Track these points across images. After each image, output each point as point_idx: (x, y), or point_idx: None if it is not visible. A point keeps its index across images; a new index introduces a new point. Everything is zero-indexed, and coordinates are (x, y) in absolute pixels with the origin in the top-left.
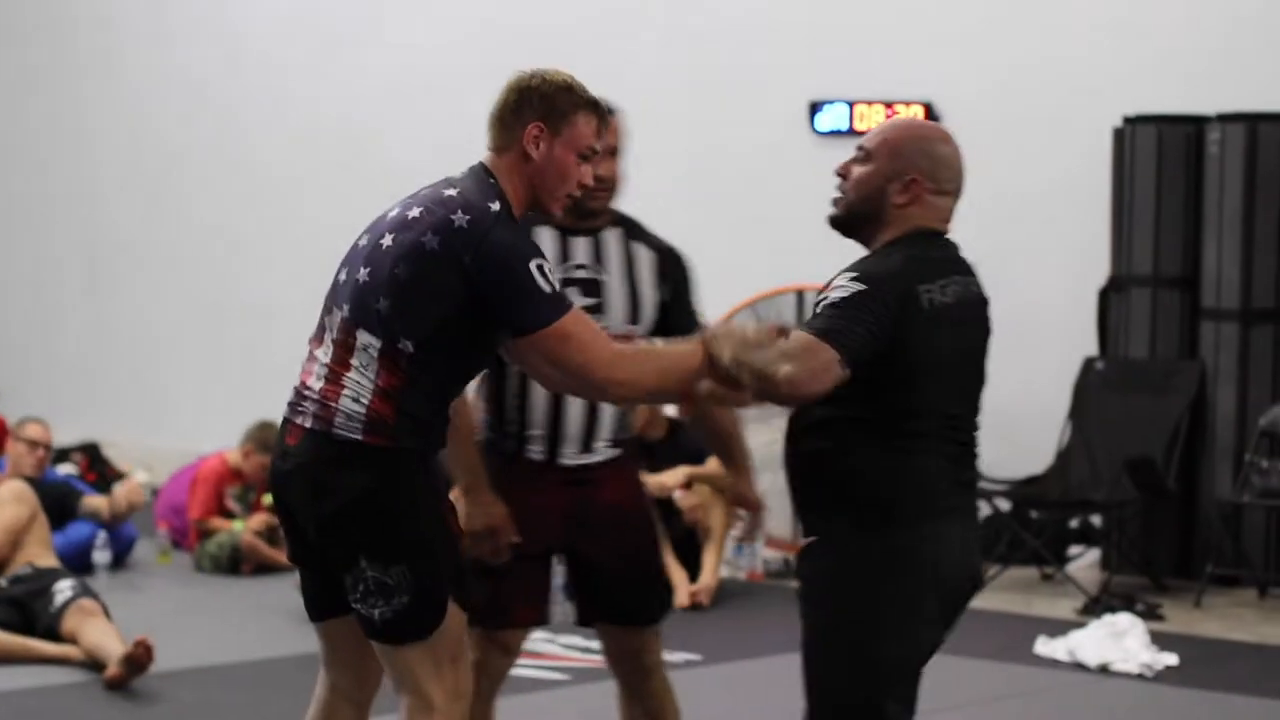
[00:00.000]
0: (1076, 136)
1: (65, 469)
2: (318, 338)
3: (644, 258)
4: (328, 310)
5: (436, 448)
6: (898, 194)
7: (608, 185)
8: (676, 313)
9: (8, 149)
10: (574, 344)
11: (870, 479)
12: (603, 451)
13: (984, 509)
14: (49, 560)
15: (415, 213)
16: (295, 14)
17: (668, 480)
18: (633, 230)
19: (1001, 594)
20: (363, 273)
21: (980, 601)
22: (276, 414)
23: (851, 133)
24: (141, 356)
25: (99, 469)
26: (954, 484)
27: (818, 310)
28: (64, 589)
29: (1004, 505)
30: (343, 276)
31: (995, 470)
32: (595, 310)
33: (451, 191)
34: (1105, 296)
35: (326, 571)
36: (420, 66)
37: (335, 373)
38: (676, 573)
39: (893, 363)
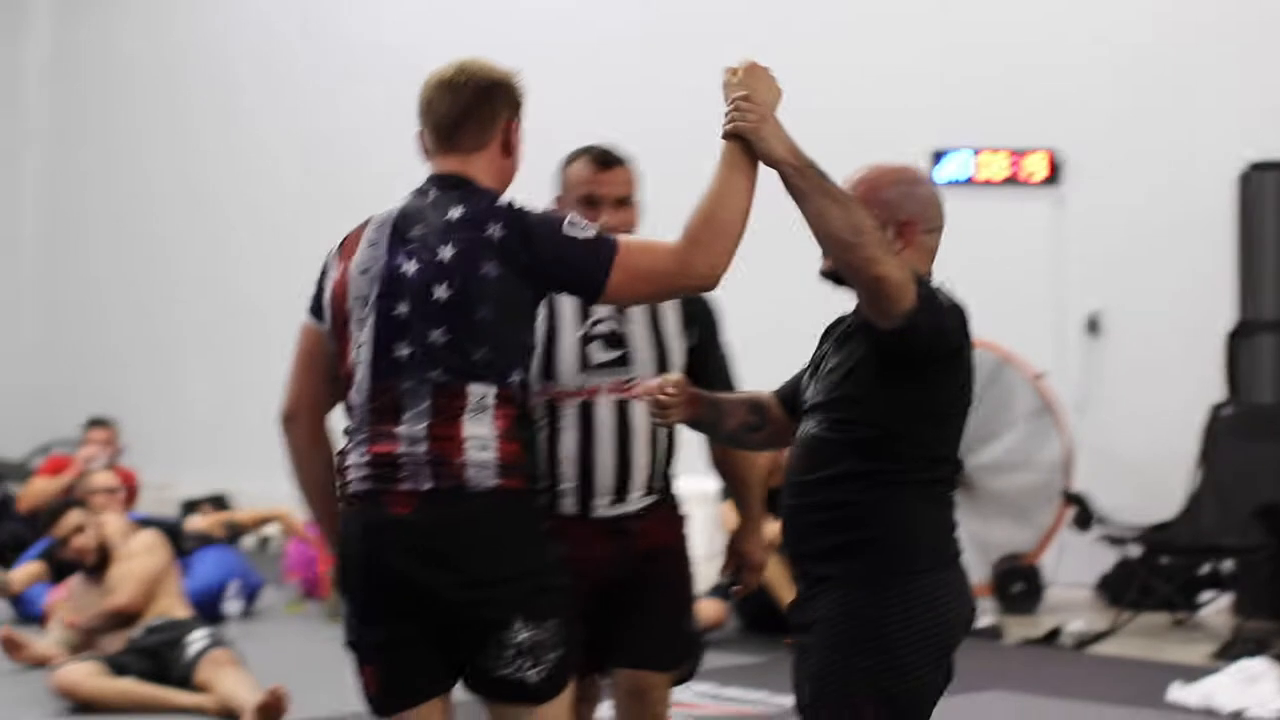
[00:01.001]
0: (1200, 182)
1: (194, 521)
2: (383, 411)
3: (667, 304)
4: (384, 387)
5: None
6: (892, 239)
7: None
8: (706, 358)
9: (131, 207)
10: (646, 257)
11: (892, 526)
12: (637, 501)
13: (1114, 555)
14: (182, 611)
15: (449, 253)
16: (420, 63)
17: None
18: None
19: (1133, 640)
20: (435, 334)
21: (1111, 648)
22: None
23: (974, 181)
24: (270, 407)
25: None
26: (954, 529)
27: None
28: (198, 639)
29: (1134, 551)
30: (398, 351)
31: (1125, 516)
32: (621, 363)
33: (457, 213)
34: (1232, 341)
35: (445, 646)
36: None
37: (443, 433)
38: None
39: (927, 405)
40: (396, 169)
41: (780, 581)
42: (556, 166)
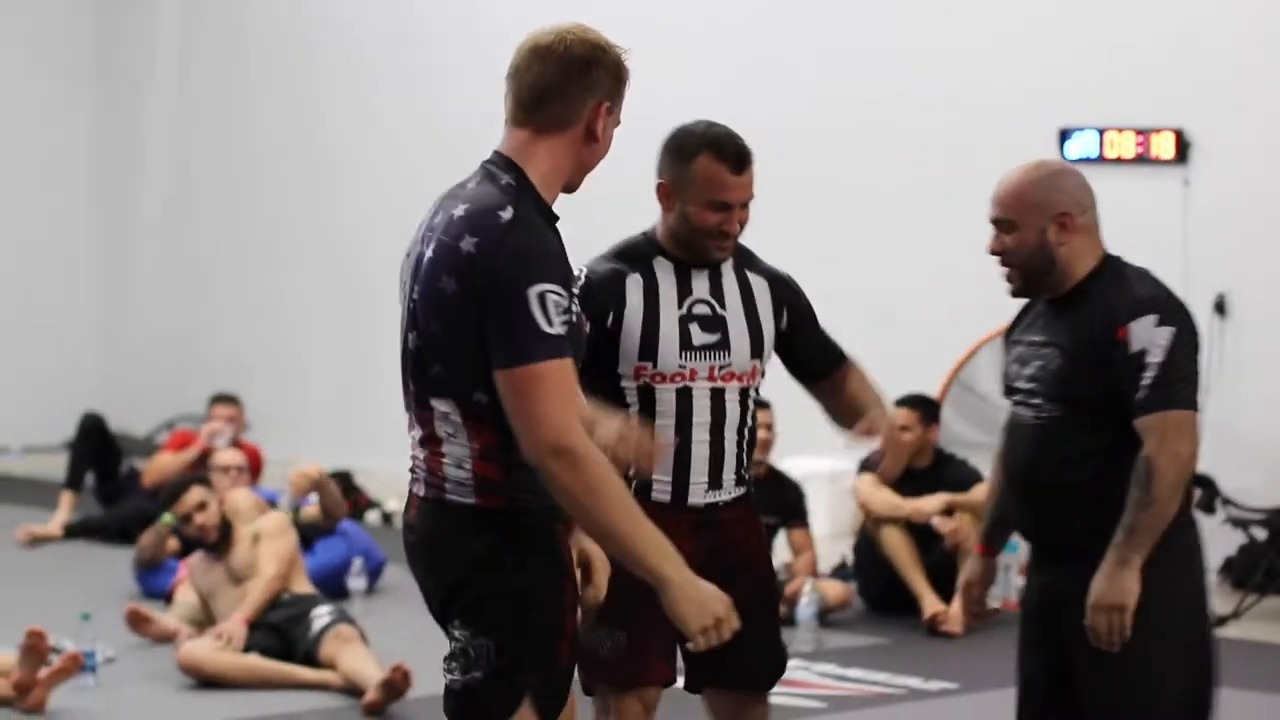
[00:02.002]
0: None
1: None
2: (406, 406)
3: (760, 287)
4: (404, 382)
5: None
6: (1057, 235)
7: (735, 238)
8: (807, 344)
9: (255, 184)
10: (541, 390)
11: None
12: (730, 489)
13: (1239, 538)
14: (306, 587)
15: (431, 251)
16: None
17: (925, 506)
18: (745, 258)
19: (1258, 623)
20: (411, 339)
21: (1236, 631)
22: None
23: (1101, 160)
24: (394, 385)
25: (352, 497)
26: None
27: (1142, 374)
28: (322, 615)
29: (1260, 534)
30: (408, 345)
31: (1251, 499)
32: (718, 347)
33: (459, 210)
34: None
35: None
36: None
37: (429, 442)
38: (929, 596)
39: None
40: None
41: (907, 562)
42: (663, 151)
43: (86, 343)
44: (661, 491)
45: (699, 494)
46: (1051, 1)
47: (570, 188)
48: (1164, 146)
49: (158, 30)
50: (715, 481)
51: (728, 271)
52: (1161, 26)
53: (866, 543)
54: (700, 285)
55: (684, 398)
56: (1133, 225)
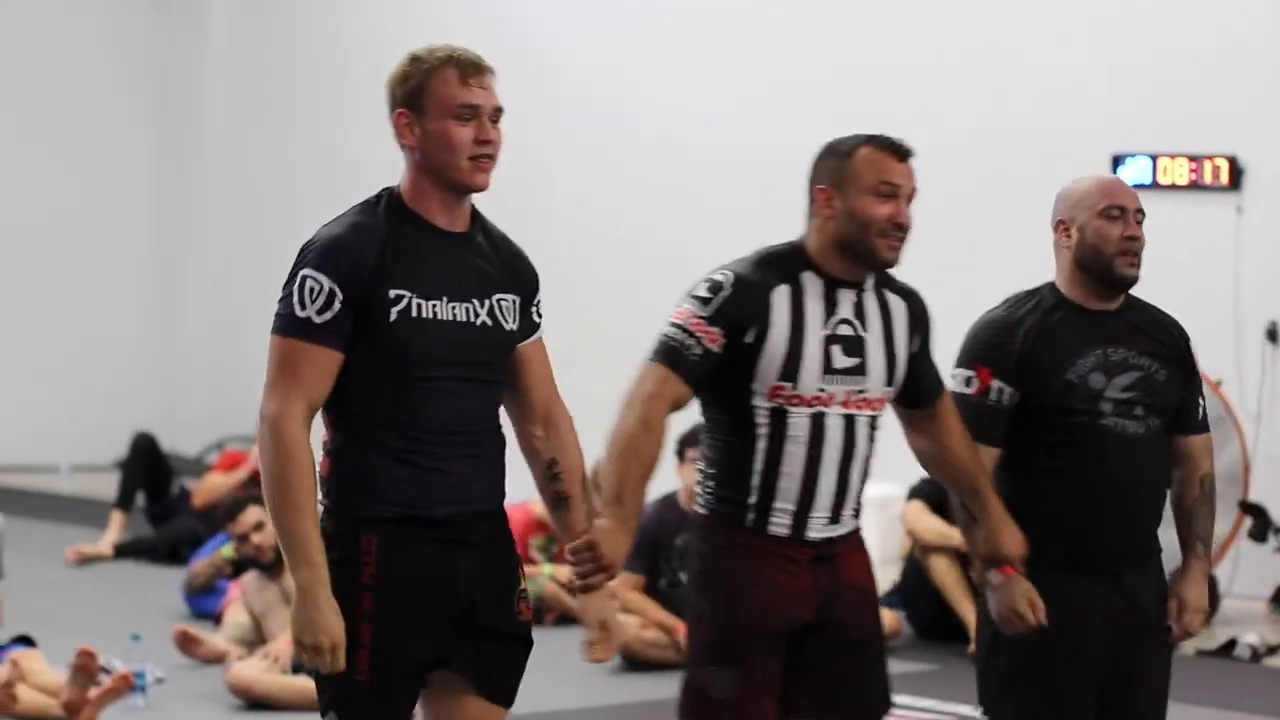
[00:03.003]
0: None
1: None
2: None
3: (898, 308)
4: None
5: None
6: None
7: (907, 234)
8: (923, 368)
9: (307, 206)
10: (276, 364)
11: None
12: (848, 522)
13: None
14: None
15: None
16: (605, 61)
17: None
18: (883, 277)
19: None
20: None
21: None
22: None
23: (1154, 186)
24: None
25: None
26: None
27: (1201, 393)
28: None
29: None
30: None
31: None
32: (856, 372)
33: None
34: None
35: None
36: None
37: None
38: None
39: None
40: (579, 188)
41: (956, 590)
42: (818, 161)
43: (138, 362)
44: (780, 525)
45: (818, 527)
46: (1106, 29)
47: (450, 188)
48: (1217, 173)
49: (213, 52)
50: (836, 516)
51: (870, 292)
52: (1215, 54)
53: (915, 569)
54: (845, 305)
55: (817, 423)
56: (1185, 252)
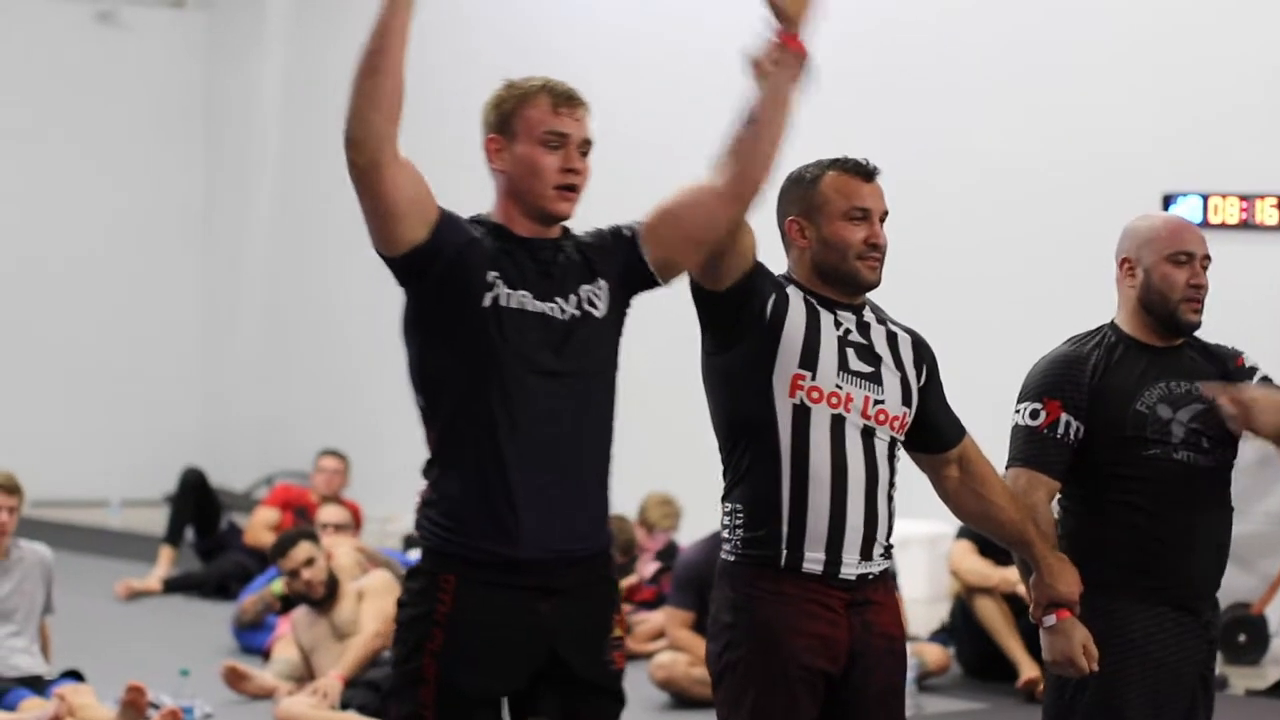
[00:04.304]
0: None
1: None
2: None
3: (904, 339)
4: None
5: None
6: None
7: (884, 252)
8: (937, 410)
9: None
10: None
11: None
12: (879, 561)
13: None
14: None
15: None
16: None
17: (1013, 575)
18: (880, 312)
19: None
20: None
21: None
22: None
23: (1205, 225)
24: None
25: None
26: None
27: None
28: None
29: None
30: None
31: None
32: (872, 379)
33: None
34: None
35: None
36: None
37: None
38: (1026, 662)
39: None
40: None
41: (1003, 629)
42: (781, 193)
43: (188, 398)
44: (814, 562)
45: (851, 564)
46: (1156, 68)
47: (535, 214)
48: (1268, 212)
49: (265, 82)
50: (867, 551)
51: (870, 316)
52: (1266, 92)
53: (963, 608)
54: (847, 322)
55: (838, 431)
56: (1236, 290)
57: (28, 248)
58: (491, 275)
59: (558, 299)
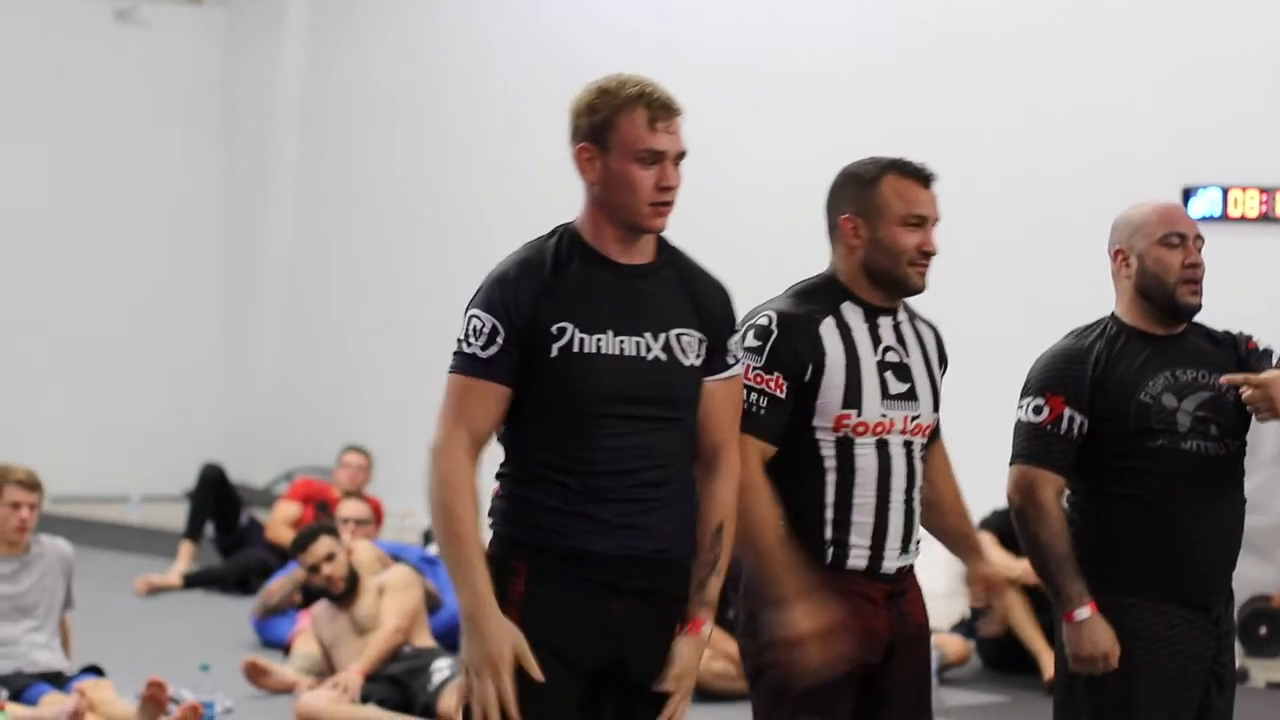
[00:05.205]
0: None
1: None
2: None
3: (928, 337)
4: None
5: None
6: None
7: (933, 255)
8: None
9: (379, 237)
10: (445, 399)
11: None
12: (913, 554)
13: None
14: (428, 640)
15: None
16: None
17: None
18: (907, 306)
19: None
20: None
21: None
22: None
23: (1225, 218)
24: None
25: None
26: None
27: None
28: (442, 668)
29: None
30: None
31: None
32: (909, 397)
33: None
34: None
35: None
36: None
37: None
38: (1047, 655)
39: None
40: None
41: (1024, 622)
42: (838, 188)
43: (207, 393)
44: (859, 557)
45: (893, 559)
46: (1175, 63)
47: (626, 227)
48: None
49: (285, 80)
50: (905, 545)
51: (904, 318)
52: None
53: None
54: (887, 332)
55: (882, 452)
56: (1256, 283)
57: (47, 245)
58: (557, 327)
59: (646, 333)
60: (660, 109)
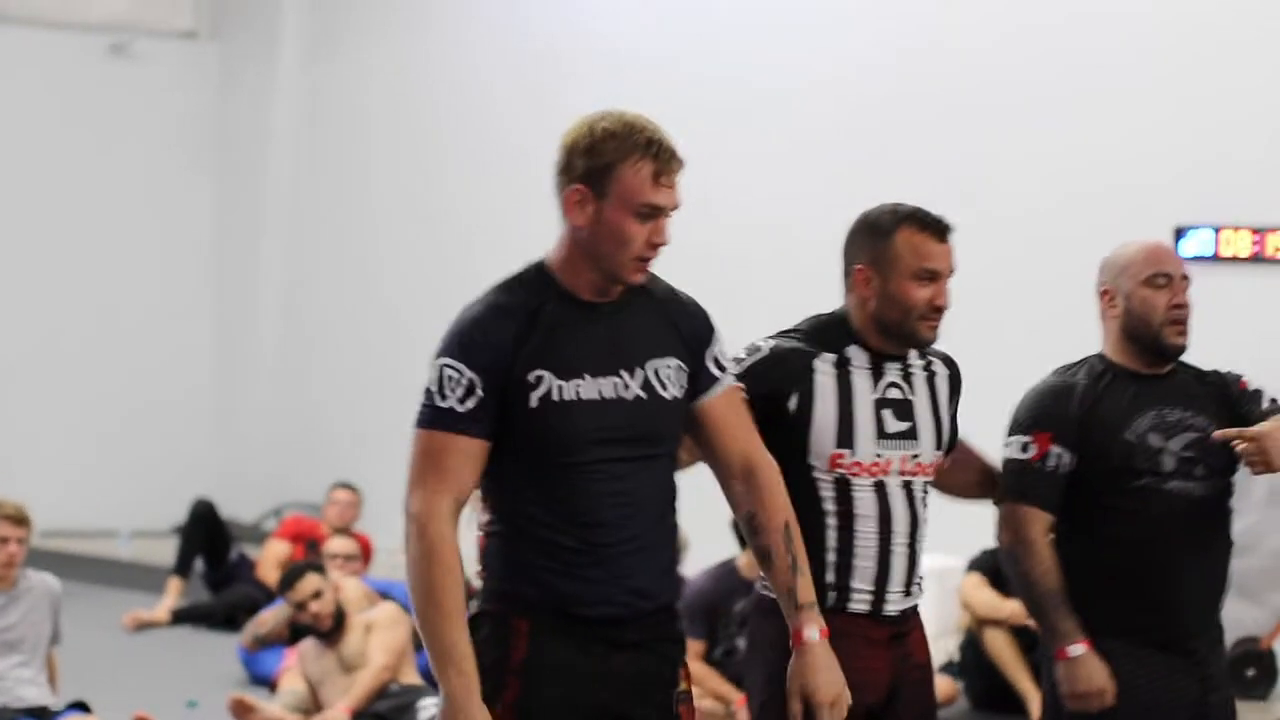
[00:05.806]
0: None
1: None
2: None
3: (941, 373)
4: None
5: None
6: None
7: (944, 310)
8: (955, 429)
9: (373, 270)
10: (419, 458)
11: None
12: (916, 596)
13: None
14: (414, 677)
15: None
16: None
17: (1022, 608)
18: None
19: None
20: None
21: None
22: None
23: (1216, 259)
24: None
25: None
26: None
27: None
28: (428, 705)
29: None
30: None
31: None
32: (909, 435)
33: None
34: None
35: None
36: None
37: None
38: (1035, 696)
39: None
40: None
41: (1012, 663)
42: (854, 236)
43: (197, 428)
44: (861, 601)
45: (896, 601)
46: (1167, 101)
47: (605, 277)
48: None
49: (278, 108)
50: (907, 588)
51: (914, 358)
52: (1278, 126)
53: (972, 641)
54: (892, 373)
55: (881, 493)
56: (1247, 323)
57: (39, 278)
58: (534, 375)
59: (623, 371)
60: (666, 163)
